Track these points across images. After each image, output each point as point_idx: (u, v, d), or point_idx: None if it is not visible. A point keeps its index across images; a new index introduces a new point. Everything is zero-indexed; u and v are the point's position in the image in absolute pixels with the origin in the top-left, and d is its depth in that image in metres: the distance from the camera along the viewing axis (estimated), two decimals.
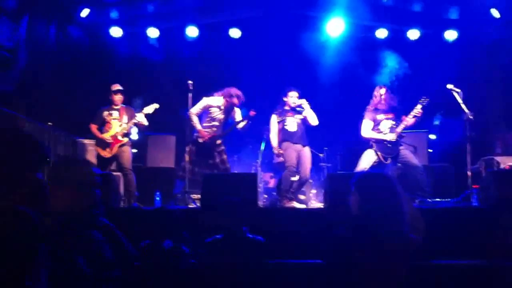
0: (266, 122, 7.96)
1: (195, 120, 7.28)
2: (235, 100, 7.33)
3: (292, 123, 7.24)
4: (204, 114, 7.44)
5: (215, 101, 7.41)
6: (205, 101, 7.36)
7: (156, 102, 7.50)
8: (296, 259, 4.45)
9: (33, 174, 2.03)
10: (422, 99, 6.91)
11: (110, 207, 5.47)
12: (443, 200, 6.84)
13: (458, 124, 7.41)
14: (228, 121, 7.53)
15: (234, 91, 7.36)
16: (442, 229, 5.03)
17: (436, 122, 8.97)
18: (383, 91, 7.12)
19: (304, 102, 7.21)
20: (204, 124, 7.39)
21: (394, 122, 7.03)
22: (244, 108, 7.53)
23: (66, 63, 9.63)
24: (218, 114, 7.40)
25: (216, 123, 7.39)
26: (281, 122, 7.29)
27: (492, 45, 8.91)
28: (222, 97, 7.40)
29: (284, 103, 7.36)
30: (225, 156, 7.37)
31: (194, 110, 7.32)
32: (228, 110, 7.45)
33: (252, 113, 7.23)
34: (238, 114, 7.48)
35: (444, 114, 8.75)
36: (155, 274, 3.76)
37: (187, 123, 7.33)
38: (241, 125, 7.34)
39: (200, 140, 7.25)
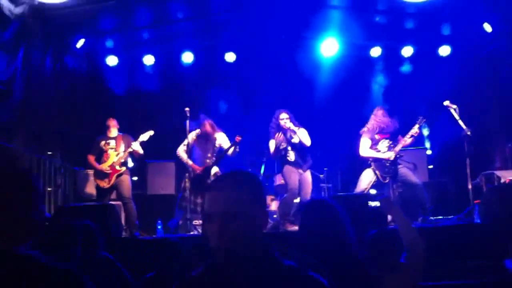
0: (264, 145, 7.98)
1: (184, 157, 7.48)
2: (207, 128, 7.48)
3: (291, 152, 7.23)
4: (194, 149, 7.62)
5: (193, 134, 7.62)
6: (189, 137, 7.55)
7: (155, 129, 7.52)
8: None
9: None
10: (420, 119, 6.94)
11: (111, 238, 5.45)
12: (445, 217, 6.82)
13: (456, 140, 7.41)
14: (216, 149, 7.63)
15: (204, 121, 7.56)
16: (446, 248, 5.02)
17: (429, 152, 8.96)
18: (379, 111, 7.15)
19: (291, 126, 7.18)
20: (196, 158, 7.57)
21: (391, 142, 7.05)
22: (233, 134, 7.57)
23: (63, 93, 9.64)
24: (204, 145, 7.58)
25: (208, 155, 7.54)
26: (284, 150, 7.25)
27: (486, 58, 8.96)
28: (198, 129, 7.61)
29: (278, 127, 7.35)
30: None
31: (181, 149, 7.56)
32: (205, 139, 7.58)
33: (237, 138, 7.30)
34: (225, 141, 7.55)
35: (442, 130, 8.73)
36: None
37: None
38: (230, 151, 7.37)
39: (196, 172, 7.33)
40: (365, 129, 7.19)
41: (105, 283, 3.36)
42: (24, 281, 1.75)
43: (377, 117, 7.15)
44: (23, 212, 1.94)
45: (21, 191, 1.97)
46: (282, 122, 7.21)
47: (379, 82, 9.36)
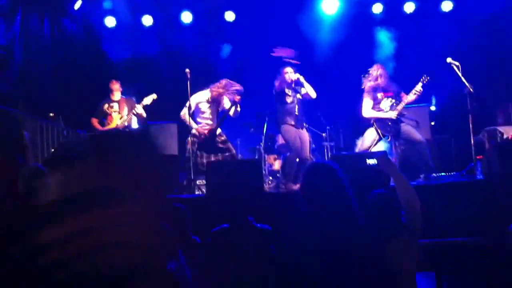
0: (266, 103, 7.96)
1: (189, 119, 7.39)
2: (221, 90, 7.39)
3: (296, 106, 7.20)
4: (196, 111, 7.53)
5: (202, 96, 7.52)
6: (192, 100, 7.46)
7: (155, 91, 7.49)
8: None
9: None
10: (423, 78, 6.89)
11: None
12: (448, 174, 6.86)
13: (459, 97, 7.38)
14: (219, 111, 7.61)
15: (220, 83, 7.45)
16: (449, 205, 5.08)
17: (433, 108, 8.91)
18: (380, 69, 7.09)
19: (299, 76, 7.16)
20: (198, 120, 7.51)
21: (394, 100, 7.02)
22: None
23: (62, 57, 9.59)
24: (207, 108, 7.51)
25: (210, 117, 7.51)
26: (291, 97, 7.21)
27: (490, 16, 8.82)
28: (208, 91, 7.50)
29: (284, 81, 7.29)
30: (228, 144, 7.45)
31: (184, 112, 7.47)
32: (216, 102, 7.53)
33: (236, 98, 7.27)
34: (226, 102, 7.53)
35: (445, 87, 8.68)
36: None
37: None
38: (231, 112, 7.37)
39: (202, 137, 7.33)
40: (366, 89, 7.14)
41: None
42: None
43: (375, 75, 7.09)
44: None
45: None
46: (287, 76, 7.17)
47: (381, 39, 9.23)
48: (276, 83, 7.28)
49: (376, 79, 7.07)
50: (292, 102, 7.20)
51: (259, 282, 3.74)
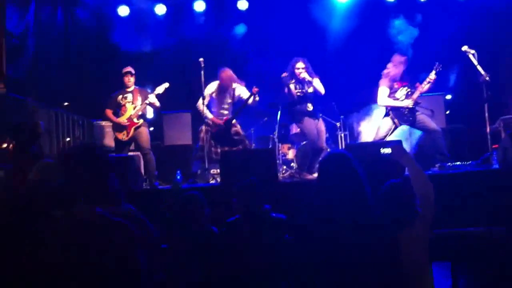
0: (279, 93, 7.93)
1: (205, 110, 7.41)
2: (224, 76, 7.44)
3: (309, 103, 7.17)
4: (211, 101, 7.57)
5: (212, 87, 7.55)
6: (207, 90, 7.52)
7: (169, 80, 7.50)
8: None
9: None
10: (436, 65, 6.83)
11: (132, 190, 5.56)
12: (463, 163, 6.81)
13: (474, 86, 7.31)
14: (234, 101, 7.62)
15: (221, 73, 7.46)
16: (464, 194, 5.05)
17: (448, 97, 8.82)
18: (399, 59, 7.02)
19: (307, 77, 7.09)
20: (213, 110, 7.55)
21: (409, 89, 6.97)
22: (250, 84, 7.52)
23: (75, 46, 9.65)
24: (223, 97, 7.55)
25: (226, 106, 7.53)
26: (301, 101, 7.19)
27: (506, 3, 8.69)
28: (217, 81, 7.54)
29: (293, 75, 7.25)
30: (241, 134, 7.47)
31: (200, 102, 7.49)
32: (222, 91, 7.54)
33: (254, 89, 7.28)
34: (244, 91, 7.52)
35: (460, 76, 8.59)
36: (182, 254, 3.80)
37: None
38: (249, 101, 7.38)
39: (218, 126, 7.38)
40: (382, 77, 7.10)
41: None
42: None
43: (395, 64, 7.04)
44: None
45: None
46: (297, 72, 7.12)
47: (395, 27, 9.15)
48: (283, 76, 7.22)
49: (395, 68, 7.00)
50: (303, 100, 7.15)
51: (274, 271, 3.76)
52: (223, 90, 7.54)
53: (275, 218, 3.95)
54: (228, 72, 7.48)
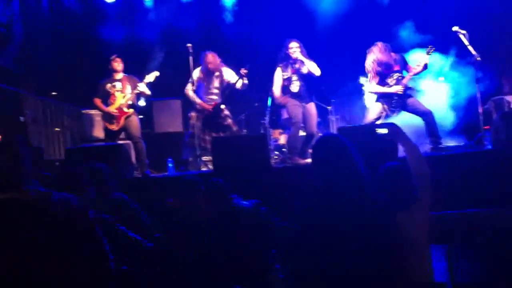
0: (269, 77, 7.87)
1: (192, 95, 7.36)
2: (209, 59, 7.34)
3: (294, 83, 7.12)
4: (200, 86, 7.48)
5: (197, 72, 7.48)
6: (193, 75, 7.42)
7: (158, 67, 7.43)
8: None
9: None
10: (428, 48, 6.77)
11: (123, 179, 5.51)
12: (456, 145, 6.81)
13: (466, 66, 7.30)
14: (223, 85, 7.53)
15: (204, 57, 7.37)
16: (456, 176, 5.04)
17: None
18: (378, 48, 6.93)
19: (299, 56, 7.04)
20: (202, 95, 7.47)
21: (399, 74, 6.91)
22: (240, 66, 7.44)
23: (62, 33, 9.50)
24: (210, 82, 7.47)
25: (215, 91, 7.46)
26: (287, 80, 7.16)
27: None
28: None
29: (287, 56, 7.20)
30: (231, 119, 7.42)
31: (189, 87, 7.42)
32: (207, 75, 7.45)
33: (243, 71, 7.17)
34: (232, 75, 7.44)
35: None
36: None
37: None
38: (238, 84, 7.29)
39: (207, 111, 7.29)
40: (368, 64, 7.02)
41: (121, 223, 3.40)
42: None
43: (373, 55, 6.94)
44: None
45: None
46: (291, 51, 7.06)
47: (384, 8, 9.10)
48: (281, 65, 7.18)
49: (374, 60, 6.92)
50: (288, 79, 7.11)
51: (253, 258, 3.72)
52: (208, 74, 7.44)
53: (242, 205, 3.86)
54: (210, 56, 7.38)
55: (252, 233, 3.75)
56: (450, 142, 7.06)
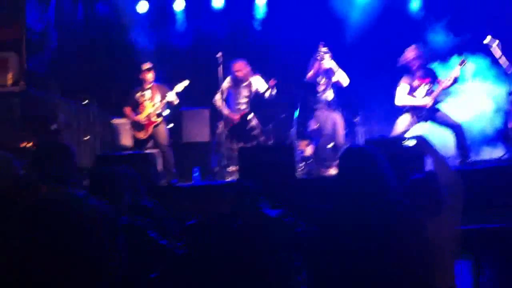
0: (298, 88, 7.89)
1: (220, 105, 7.41)
2: (237, 73, 7.35)
3: (330, 91, 7.14)
4: (229, 96, 7.55)
5: (227, 82, 7.54)
6: (223, 85, 7.46)
7: (187, 76, 7.50)
8: None
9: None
10: (461, 60, 6.69)
11: (151, 187, 5.56)
12: (485, 159, 6.70)
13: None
14: (252, 95, 7.58)
15: (233, 65, 7.43)
16: (486, 190, 4.96)
17: None
18: (415, 51, 6.87)
19: (333, 65, 7.07)
20: (231, 104, 7.57)
21: (430, 86, 6.83)
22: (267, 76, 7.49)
23: (96, 41, 9.68)
24: (240, 92, 7.55)
25: (244, 100, 7.48)
26: (323, 86, 7.15)
27: None
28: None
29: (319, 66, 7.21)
30: (258, 129, 7.45)
31: (217, 97, 7.48)
32: (236, 84, 7.52)
33: (272, 82, 7.23)
34: (261, 85, 7.46)
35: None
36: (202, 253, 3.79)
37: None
38: (267, 94, 7.33)
39: (233, 121, 7.36)
40: (404, 76, 6.96)
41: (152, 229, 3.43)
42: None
43: (406, 58, 6.88)
44: None
45: None
46: (325, 59, 7.06)
47: (414, 20, 9.01)
48: (309, 74, 7.20)
49: (412, 61, 6.85)
50: (324, 89, 7.13)
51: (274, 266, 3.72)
52: (237, 83, 7.50)
53: (269, 214, 3.86)
54: (238, 64, 7.42)
55: (276, 243, 3.75)
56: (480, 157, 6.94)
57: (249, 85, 7.53)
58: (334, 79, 7.12)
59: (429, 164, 4.50)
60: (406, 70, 7.02)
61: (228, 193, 4.01)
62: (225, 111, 7.41)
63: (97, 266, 2.00)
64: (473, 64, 7.75)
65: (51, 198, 2.10)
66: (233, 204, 3.93)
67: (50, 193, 2.21)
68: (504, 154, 6.56)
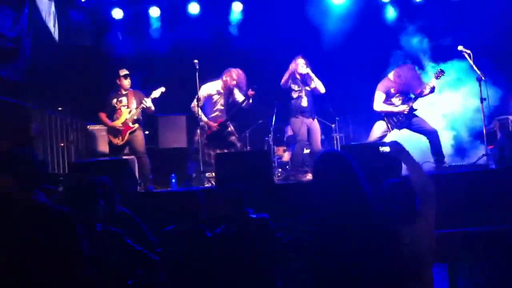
0: (274, 95, 7.92)
1: (199, 112, 7.31)
2: (233, 82, 7.37)
3: (304, 98, 7.17)
4: (206, 103, 7.47)
5: (213, 87, 7.48)
6: (203, 91, 7.40)
7: (163, 83, 7.46)
8: None
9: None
10: (437, 73, 6.81)
11: (127, 193, 5.50)
12: (460, 163, 6.80)
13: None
14: (229, 102, 7.57)
15: (233, 73, 7.41)
16: (460, 195, 5.02)
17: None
18: (406, 71, 6.92)
19: (309, 71, 7.12)
20: (209, 112, 7.49)
21: (407, 94, 6.92)
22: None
23: (70, 48, 9.58)
24: (219, 99, 7.50)
25: (220, 108, 7.49)
26: (298, 98, 7.18)
27: (500, 5, 8.66)
28: (220, 81, 7.47)
29: (295, 71, 7.25)
30: (235, 136, 7.45)
31: (194, 103, 7.38)
32: (228, 93, 7.51)
33: (250, 92, 7.24)
34: (238, 94, 7.49)
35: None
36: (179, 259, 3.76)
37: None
38: (244, 103, 7.36)
39: (212, 128, 7.33)
40: (380, 82, 7.03)
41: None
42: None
43: (399, 76, 6.93)
44: None
45: None
46: (299, 67, 7.12)
47: (390, 28, 9.15)
48: (283, 79, 7.22)
49: (398, 80, 6.91)
50: (299, 96, 7.16)
51: (268, 272, 3.72)
52: (227, 91, 7.48)
53: (257, 219, 3.88)
54: (241, 73, 7.42)
55: (260, 247, 3.76)
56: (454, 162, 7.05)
57: (232, 94, 7.53)
58: (311, 86, 7.15)
59: (405, 170, 4.55)
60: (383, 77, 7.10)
61: (218, 197, 3.98)
62: (204, 118, 7.37)
63: (56, 265, 2.14)
64: (450, 70, 7.91)
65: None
66: (225, 208, 3.93)
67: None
68: (481, 157, 6.65)
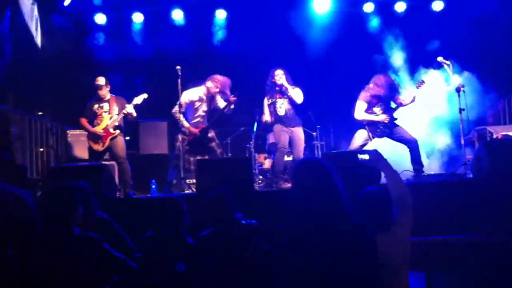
0: (256, 103, 7.94)
1: (181, 118, 7.30)
2: (216, 89, 7.38)
3: (281, 107, 7.20)
4: (188, 109, 7.46)
5: (195, 94, 7.45)
6: (185, 97, 7.37)
7: (146, 89, 7.45)
8: None
9: None
10: (419, 83, 6.91)
11: (106, 198, 5.47)
12: (438, 173, 6.87)
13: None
14: (210, 109, 7.58)
15: (216, 80, 7.40)
16: (437, 203, 5.08)
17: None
18: (385, 81, 6.99)
19: (284, 83, 7.13)
20: (190, 118, 7.47)
21: (387, 104, 7.00)
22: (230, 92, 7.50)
23: (52, 53, 9.51)
24: (201, 105, 7.49)
25: (202, 114, 7.48)
26: (272, 105, 7.25)
27: (481, 14, 8.83)
28: (203, 87, 7.45)
29: (273, 84, 7.30)
30: (216, 142, 7.44)
31: (176, 109, 7.35)
32: (211, 99, 7.51)
33: (232, 98, 7.27)
34: (220, 100, 7.50)
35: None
36: (157, 267, 3.75)
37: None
38: (226, 110, 7.37)
39: (193, 134, 7.31)
40: (362, 91, 7.09)
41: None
42: None
43: (377, 85, 7.00)
44: None
45: None
46: (276, 78, 7.16)
47: (372, 37, 9.25)
48: (267, 96, 7.29)
49: (377, 88, 6.98)
50: (275, 105, 7.19)
51: (248, 277, 3.73)
52: (209, 97, 7.48)
53: (246, 225, 3.91)
54: (226, 80, 7.43)
55: (247, 252, 3.78)
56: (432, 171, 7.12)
57: (214, 100, 7.53)
58: (289, 94, 7.16)
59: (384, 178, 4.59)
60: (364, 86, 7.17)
61: (205, 203, 3.98)
62: (185, 124, 7.35)
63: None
64: (430, 79, 8.02)
65: None
66: (212, 213, 3.93)
67: None
68: (459, 166, 6.75)
